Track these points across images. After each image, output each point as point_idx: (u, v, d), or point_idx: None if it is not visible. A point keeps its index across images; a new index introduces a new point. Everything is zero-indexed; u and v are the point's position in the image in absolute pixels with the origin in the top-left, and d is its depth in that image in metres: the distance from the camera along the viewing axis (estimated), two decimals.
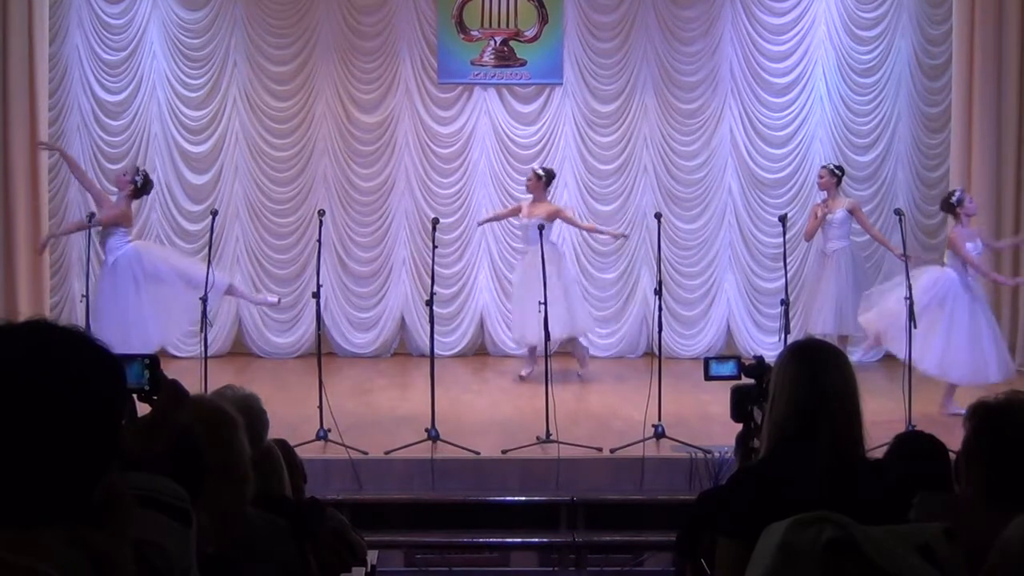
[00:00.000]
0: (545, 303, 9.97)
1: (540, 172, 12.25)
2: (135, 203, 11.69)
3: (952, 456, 4.22)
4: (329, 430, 9.29)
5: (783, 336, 9.89)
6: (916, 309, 9.89)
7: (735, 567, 3.26)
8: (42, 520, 1.80)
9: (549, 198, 12.48)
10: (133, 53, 13.73)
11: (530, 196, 12.31)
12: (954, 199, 10.89)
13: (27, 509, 1.80)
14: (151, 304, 10.93)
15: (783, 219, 10.51)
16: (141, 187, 11.32)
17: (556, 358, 11.11)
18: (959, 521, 2.86)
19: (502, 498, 9.03)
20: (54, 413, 1.81)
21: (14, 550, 1.75)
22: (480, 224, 13.24)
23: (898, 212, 10.71)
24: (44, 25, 13.07)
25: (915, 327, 10.08)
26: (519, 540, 8.92)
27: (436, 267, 10.43)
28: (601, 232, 12.96)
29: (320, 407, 9.42)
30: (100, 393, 1.88)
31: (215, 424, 3.56)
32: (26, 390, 1.81)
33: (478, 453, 9.16)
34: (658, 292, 10.05)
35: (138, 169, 11.56)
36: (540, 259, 10.14)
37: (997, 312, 12.99)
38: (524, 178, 13.82)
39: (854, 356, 12.15)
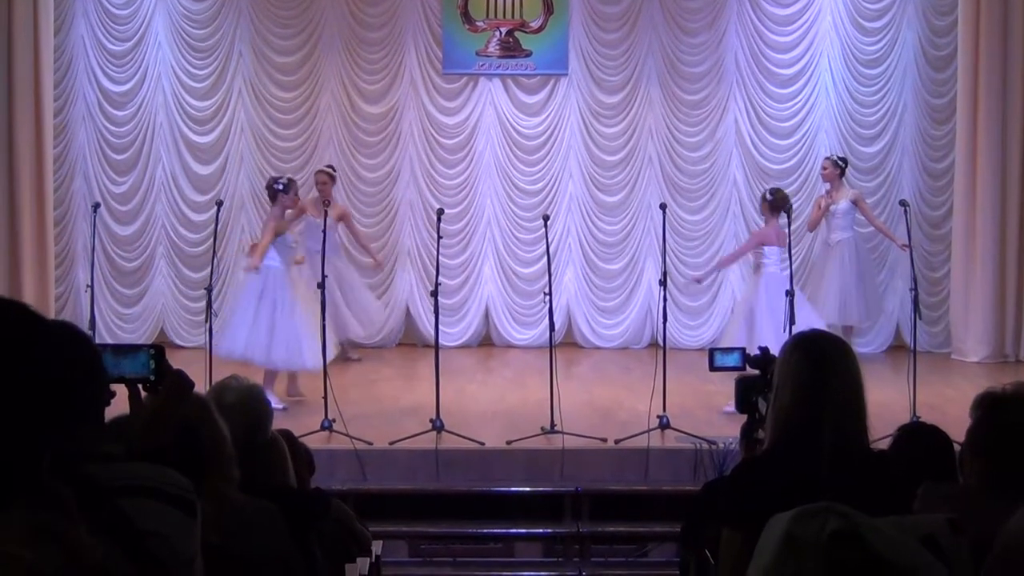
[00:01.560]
0: (550, 293, 9.98)
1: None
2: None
3: (956, 447, 4.22)
4: (334, 420, 9.31)
5: (788, 327, 9.88)
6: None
7: (739, 558, 3.27)
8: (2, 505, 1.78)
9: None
10: (138, 43, 13.74)
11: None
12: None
13: None
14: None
15: (788, 210, 10.50)
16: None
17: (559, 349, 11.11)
18: (963, 512, 2.86)
19: (506, 489, 9.04)
20: None
21: None
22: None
23: (903, 203, 10.72)
24: (49, 15, 13.08)
25: (920, 318, 10.11)
26: (523, 531, 8.93)
27: (441, 257, 10.43)
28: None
29: (325, 397, 9.43)
30: (37, 360, 1.85)
31: (195, 410, 3.55)
32: None
33: (483, 444, 9.17)
34: (663, 283, 10.06)
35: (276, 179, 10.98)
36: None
37: (1001, 306, 13.01)
38: (529, 169, 13.92)
39: (862, 348, 12.18)
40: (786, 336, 10.29)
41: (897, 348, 13.37)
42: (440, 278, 10.13)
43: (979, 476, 3.56)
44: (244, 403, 4.30)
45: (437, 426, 9.32)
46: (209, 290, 10.06)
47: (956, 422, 4.55)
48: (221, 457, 3.51)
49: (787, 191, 13.57)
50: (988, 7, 12.87)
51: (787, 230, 10.33)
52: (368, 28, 13.90)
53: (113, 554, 2.04)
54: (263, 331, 10.15)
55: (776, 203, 10.60)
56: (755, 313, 10.36)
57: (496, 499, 9.04)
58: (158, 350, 3.80)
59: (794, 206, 11.07)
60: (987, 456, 3.53)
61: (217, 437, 3.51)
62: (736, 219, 13.95)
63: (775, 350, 4.08)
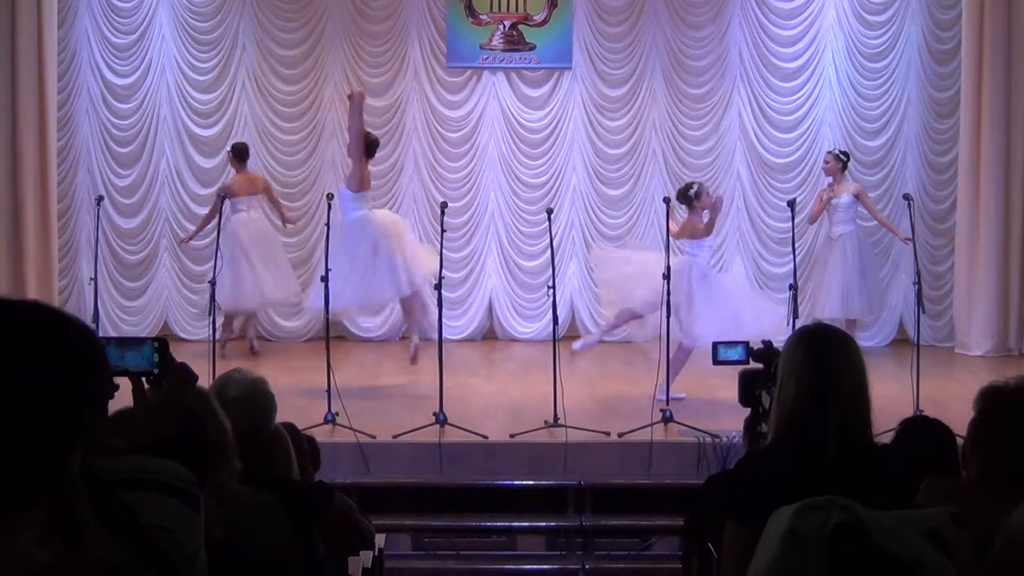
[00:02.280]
0: (554, 287, 9.97)
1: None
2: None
3: (959, 441, 4.23)
4: (337, 414, 9.31)
5: (791, 321, 9.88)
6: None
7: (743, 551, 3.27)
8: (17, 504, 1.78)
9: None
10: (142, 36, 13.74)
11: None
12: (692, 192, 10.60)
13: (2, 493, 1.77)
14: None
15: (792, 204, 10.50)
16: None
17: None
18: (966, 506, 2.86)
19: (510, 482, 9.04)
20: (6, 384, 1.78)
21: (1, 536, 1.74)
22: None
23: (907, 197, 10.71)
24: (53, 8, 13.08)
25: (923, 312, 10.11)
26: (526, 524, 8.92)
27: (444, 251, 10.43)
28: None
29: (328, 391, 9.44)
30: (52, 360, 1.85)
31: (198, 403, 3.55)
32: None
33: (486, 437, 9.17)
34: (666, 277, 10.04)
35: None
36: None
37: (1005, 299, 13.01)
38: (532, 162, 13.92)
39: (866, 342, 12.16)
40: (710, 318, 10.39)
41: (900, 342, 13.36)
42: (444, 271, 10.13)
43: (982, 470, 3.56)
44: (247, 396, 4.30)
45: (440, 419, 9.32)
46: (213, 283, 10.07)
47: (959, 416, 4.55)
48: (223, 450, 3.51)
49: (790, 184, 13.70)
50: (991, 0, 12.84)
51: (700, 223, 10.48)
52: (372, 21, 13.90)
53: (117, 548, 2.04)
54: (384, 271, 10.69)
55: (678, 197, 10.72)
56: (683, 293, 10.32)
57: (499, 492, 9.04)
58: (161, 343, 3.81)
59: (797, 200, 11.07)
60: (990, 450, 3.53)
61: (219, 430, 3.51)
62: (740, 213, 13.94)
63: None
